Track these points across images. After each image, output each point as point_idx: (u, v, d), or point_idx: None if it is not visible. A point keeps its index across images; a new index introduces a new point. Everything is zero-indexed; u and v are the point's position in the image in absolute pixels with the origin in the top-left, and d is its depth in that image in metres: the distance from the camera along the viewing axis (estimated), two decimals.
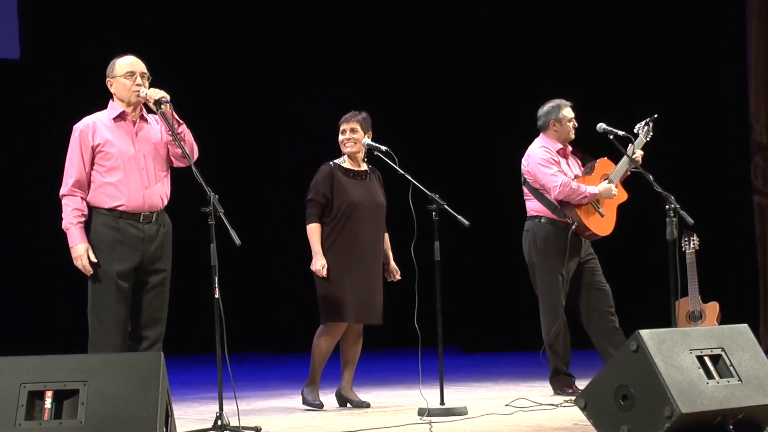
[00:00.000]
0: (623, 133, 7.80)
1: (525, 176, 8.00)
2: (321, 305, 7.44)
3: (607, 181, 7.92)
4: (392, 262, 7.69)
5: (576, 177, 7.95)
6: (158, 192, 6.31)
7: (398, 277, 7.67)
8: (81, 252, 6.08)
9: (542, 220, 7.92)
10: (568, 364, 7.93)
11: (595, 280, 7.99)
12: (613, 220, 7.99)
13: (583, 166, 8.13)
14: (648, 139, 8.00)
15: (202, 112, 12.23)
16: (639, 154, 7.94)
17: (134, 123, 6.32)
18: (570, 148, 8.12)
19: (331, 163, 7.52)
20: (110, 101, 6.34)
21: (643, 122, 8.02)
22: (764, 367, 5.80)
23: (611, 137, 7.82)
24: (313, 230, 7.40)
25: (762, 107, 11.92)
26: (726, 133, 11.79)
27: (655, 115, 8.04)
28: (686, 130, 11.75)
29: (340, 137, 7.52)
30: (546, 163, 7.87)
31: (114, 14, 12.20)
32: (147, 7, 12.55)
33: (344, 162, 7.54)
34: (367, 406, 7.57)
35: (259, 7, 13.26)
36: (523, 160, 8.02)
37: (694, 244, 8.82)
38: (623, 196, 8.05)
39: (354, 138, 7.48)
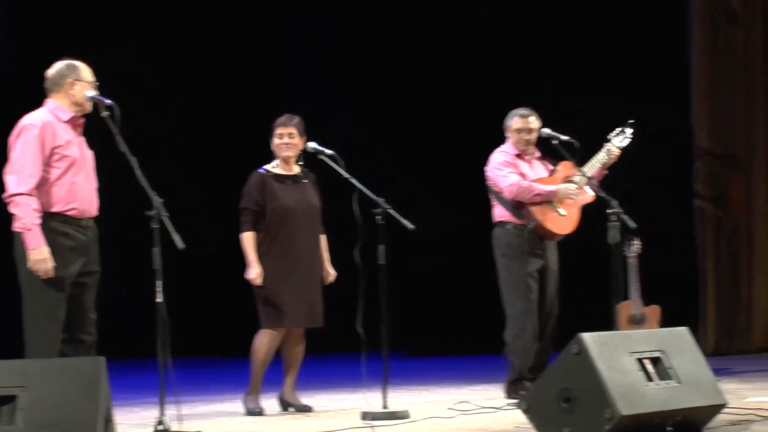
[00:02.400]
0: (567, 137, 7.88)
1: (488, 183, 8.05)
2: (260, 311, 7.44)
3: (570, 182, 7.97)
4: (327, 264, 7.71)
5: (536, 179, 8.00)
6: (96, 197, 6.33)
7: (332, 279, 7.69)
8: (46, 254, 6.00)
9: (507, 226, 7.96)
10: (530, 369, 7.92)
11: (545, 294, 8.03)
12: (575, 219, 8.02)
13: (550, 168, 8.17)
14: (620, 144, 8.06)
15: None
16: (614, 155, 8.01)
17: (78, 128, 6.32)
18: (537, 153, 8.17)
19: (262, 169, 7.52)
20: (50, 101, 6.28)
21: (618, 129, 8.11)
22: (703, 369, 5.87)
23: (555, 142, 7.90)
24: (247, 239, 7.42)
25: (704, 113, 12.05)
26: (669, 138, 11.89)
27: (631, 121, 8.12)
28: (635, 125, 11.84)
29: (277, 141, 7.51)
30: (500, 166, 7.95)
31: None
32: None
33: (275, 167, 7.55)
34: (310, 410, 7.58)
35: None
36: (486, 168, 8.08)
37: (636, 248, 8.90)
38: (588, 198, 8.07)
39: (291, 143, 7.49)
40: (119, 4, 12.48)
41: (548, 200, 7.90)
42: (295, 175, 7.60)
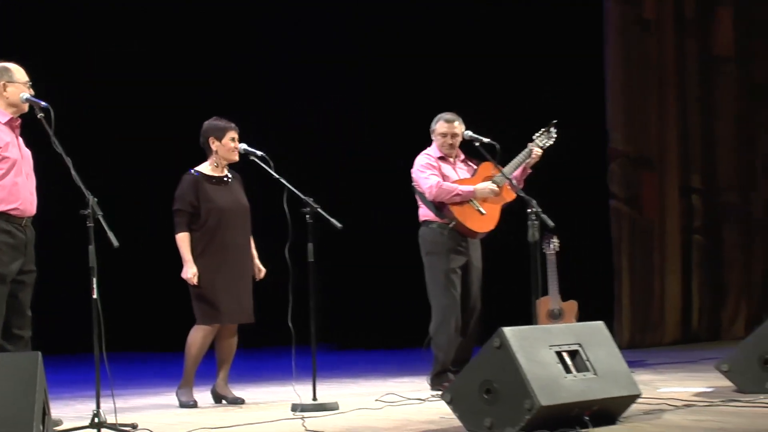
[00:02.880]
0: (488, 140, 7.91)
1: (413, 184, 8.06)
2: (195, 308, 7.41)
3: (491, 182, 7.99)
4: (257, 261, 7.68)
5: (457, 180, 8.02)
6: (35, 196, 6.28)
7: (262, 275, 7.68)
8: None
9: (431, 225, 7.98)
10: (453, 362, 7.93)
11: (468, 289, 8.05)
12: (495, 217, 8.03)
13: (473, 169, 8.19)
14: (544, 144, 8.09)
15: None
16: (537, 155, 8.04)
17: (16, 129, 6.26)
18: (461, 155, 8.19)
19: (194, 171, 7.48)
20: None
21: (543, 129, 8.14)
22: (618, 361, 5.93)
23: (477, 144, 7.92)
24: (183, 239, 7.38)
25: (618, 117, 12.15)
26: (584, 140, 11.97)
27: (554, 121, 8.16)
28: (558, 124, 11.92)
29: (230, 144, 7.47)
30: (423, 169, 7.97)
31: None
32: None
33: (206, 169, 7.51)
34: (242, 402, 7.56)
35: None
36: (411, 170, 8.09)
37: (554, 245, 8.96)
38: (509, 197, 8.10)
39: (237, 146, 7.47)
40: (54, 5, 12.34)
41: (468, 200, 7.93)
42: (225, 176, 7.57)
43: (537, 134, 8.14)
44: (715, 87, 12.93)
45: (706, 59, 12.86)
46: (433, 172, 7.94)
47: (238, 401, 7.56)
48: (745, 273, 12.99)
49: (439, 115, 8.12)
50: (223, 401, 7.58)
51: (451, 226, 7.88)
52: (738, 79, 13.02)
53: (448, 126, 8.06)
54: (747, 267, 13.00)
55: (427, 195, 7.90)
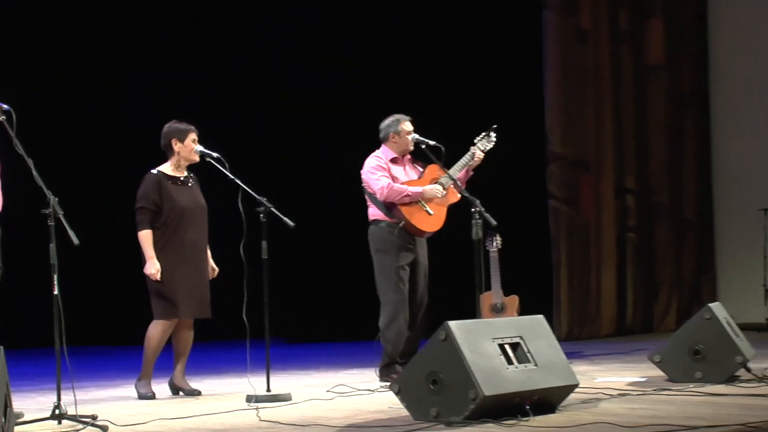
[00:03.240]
0: (434, 143, 7.91)
1: (363, 185, 8.04)
2: (154, 303, 7.36)
3: (437, 183, 7.99)
4: (211, 261, 7.65)
5: (406, 181, 8.01)
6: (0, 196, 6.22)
7: (215, 274, 7.65)
8: None
9: (380, 224, 7.96)
10: (401, 354, 7.92)
11: (416, 285, 8.05)
12: (442, 218, 8.04)
13: (420, 171, 8.18)
14: (485, 147, 8.09)
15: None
16: (479, 158, 8.05)
17: None
18: (409, 157, 8.18)
19: (156, 171, 7.43)
20: None
21: (483, 133, 8.15)
22: (557, 353, 5.95)
23: (423, 147, 7.92)
24: (146, 236, 7.32)
25: (557, 121, 12.21)
26: (525, 143, 12.02)
27: (494, 126, 8.17)
28: (498, 129, 11.95)
29: (192, 146, 7.42)
30: (374, 170, 7.94)
31: None
32: None
33: (168, 169, 7.46)
34: (199, 393, 7.51)
35: None
36: (361, 171, 8.06)
37: (496, 243, 8.98)
38: (454, 198, 8.10)
39: (197, 148, 7.44)
40: (17, 7, 12.23)
41: (417, 200, 7.92)
42: (185, 177, 7.53)
43: (478, 138, 8.15)
44: (647, 94, 13.04)
45: (638, 68, 12.97)
46: (384, 174, 7.93)
47: (195, 393, 7.51)
48: (676, 269, 13.10)
49: (397, 116, 8.08)
50: (180, 393, 7.52)
51: (400, 225, 7.87)
52: (668, 87, 13.14)
53: (410, 125, 8.05)
54: (677, 263, 13.11)
55: (378, 196, 7.88)
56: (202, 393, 7.54)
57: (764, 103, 13.05)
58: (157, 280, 7.26)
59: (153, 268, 7.24)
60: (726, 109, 13.39)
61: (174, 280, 7.30)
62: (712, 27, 13.54)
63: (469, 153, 8.05)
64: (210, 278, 7.62)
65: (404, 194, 7.85)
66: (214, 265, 7.68)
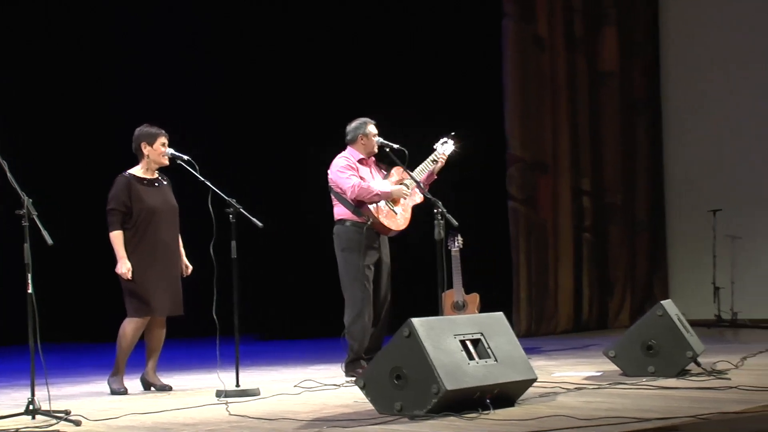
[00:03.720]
0: (398, 146, 7.90)
1: (330, 184, 8.01)
2: (128, 301, 7.31)
3: (403, 185, 7.98)
4: (184, 259, 7.61)
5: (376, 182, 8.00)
6: None
7: (189, 272, 7.60)
8: None
9: (346, 223, 7.93)
10: (366, 350, 7.90)
11: (380, 283, 8.03)
12: (408, 217, 8.05)
13: (384, 173, 8.17)
14: (445, 151, 8.09)
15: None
16: (441, 163, 8.04)
17: None
18: (374, 160, 8.16)
19: (127, 174, 7.38)
20: None
21: (443, 139, 8.15)
22: (516, 349, 5.95)
23: (387, 150, 7.91)
24: (117, 237, 7.27)
25: (516, 125, 12.23)
26: (485, 147, 12.03)
27: (452, 133, 8.18)
28: (456, 136, 11.95)
29: (161, 149, 7.38)
30: (343, 170, 7.91)
31: None
32: None
33: (138, 172, 7.42)
34: (170, 389, 7.47)
35: None
36: (328, 171, 8.03)
37: (458, 243, 8.97)
38: (418, 199, 8.11)
39: (166, 151, 7.38)
40: None
41: (384, 200, 7.92)
42: (155, 179, 7.48)
43: (438, 143, 8.15)
44: (602, 99, 13.10)
45: (593, 74, 13.02)
46: (354, 174, 7.91)
47: (166, 388, 7.46)
48: (630, 268, 13.16)
49: (364, 120, 8.07)
50: (152, 388, 7.48)
51: (368, 224, 7.85)
52: (621, 93, 13.20)
53: (375, 128, 8.05)
54: (631, 263, 13.17)
55: (348, 194, 7.85)
56: (173, 388, 7.50)
57: (713, 109, 13.14)
58: (129, 279, 7.21)
59: (124, 267, 7.20)
60: (677, 114, 13.47)
61: (146, 279, 7.26)
62: (663, 36, 13.62)
63: (432, 158, 8.06)
64: (183, 276, 7.58)
65: (374, 193, 7.84)
66: (188, 263, 7.63)
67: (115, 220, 7.28)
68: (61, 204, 11.80)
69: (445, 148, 8.14)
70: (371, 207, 7.85)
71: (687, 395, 5.96)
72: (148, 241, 7.33)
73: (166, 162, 7.42)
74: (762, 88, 12.84)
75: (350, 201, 7.87)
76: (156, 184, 7.46)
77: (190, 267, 7.66)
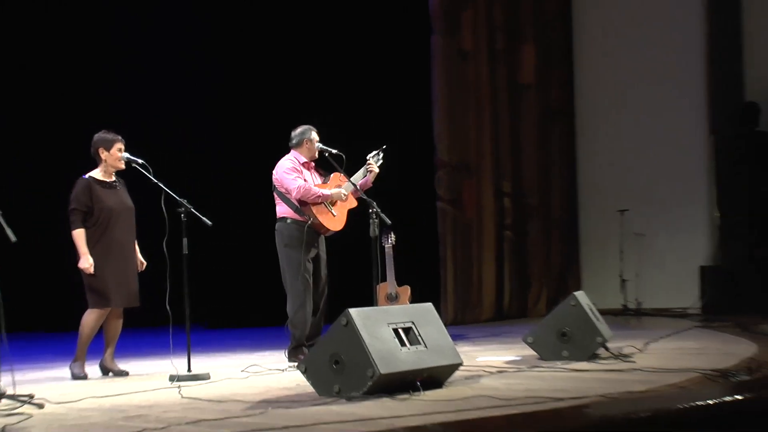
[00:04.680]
0: (336, 151, 7.92)
1: (275, 184, 7.99)
2: (89, 294, 7.27)
3: (341, 188, 7.99)
4: (139, 255, 7.57)
5: (315, 184, 8.00)
6: None
7: (143, 268, 7.56)
8: None
9: (288, 221, 7.92)
10: (307, 338, 7.91)
11: (318, 274, 8.04)
12: (344, 219, 8.07)
13: (323, 177, 8.17)
14: (377, 161, 8.11)
15: None
16: (374, 172, 8.05)
17: None
18: (313, 164, 8.16)
19: (87, 176, 7.34)
20: None
21: (375, 151, 8.16)
22: (444, 336, 5.99)
23: (327, 155, 7.92)
24: (80, 234, 7.22)
25: (444, 132, 12.29)
26: (416, 152, 12.08)
27: (384, 147, 8.20)
28: (387, 150, 11.99)
29: (118, 154, 7.33)
30: (290, 171, 7.91)
31: None
32: None
33: (98, 174, 7.37)
34: (126, 374, 7.42)
35: None
36: (274, 171, 8.02)
37: (391, 240, 9.01)
38: (353, 203, 8.14)
39: (122, 155, 7.34)
40: None
41: (324, 201, 7.93)
42: (113, 181, 7.44)
43: (371, 155, 8.16)
44: (521, 109, 13.19)
45: (513, 86, 13.11)
46: (299, 176, 7.92)
47: (123, 373, 7.42)
48: (546, 263, 13.27)
49: (307, 126, 8.08)
50: (110, 373, 7.43)
51: (309, 222, 7.86)
52: (538, 103, 13.30)
53: (317, 136, 8.06)
54: (547, 258, 13.28)
55: (293, 194, 7.84)
56: (130, 373, 7.45)
57: (622, 118, 13.30)
58: (90, 274, 7.17)
59: (86, 262, 7.16)
60: (589, 123, 13.61)
61: (105, 274, 7.22)
62: (576, 53, 13.75)
63: (365, 167, 8.08)
64: (139, 271, 7.54)
65: (317, 195, 7.86)
66: (143, 259, 7.60)
67: (76, 219, 7.23)
68: (26, 203, 11.66)
69: (377, 159, 8.17)
70: (313, 208, 7.87)
71: (596, 377, 6.01)
72: (107, 238, 7.29)
73: (122, 166, 7.38)
74: (661, 102, 13.03)
75: (294, 201, 7.87)
76: (113, 186, 7.43)
77: (145, 263, 7.62)
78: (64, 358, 8.00)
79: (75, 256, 7.21)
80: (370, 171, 8.06)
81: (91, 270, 7.16)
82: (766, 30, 12.65)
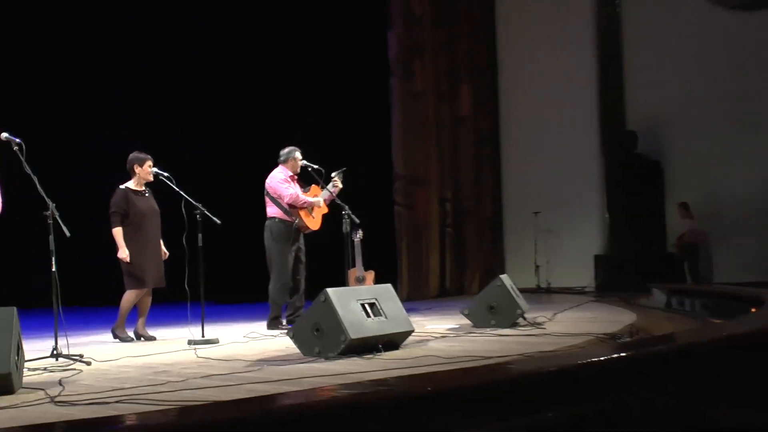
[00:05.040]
0: (317, 166, 7.89)
1: (268, 190, 7.94)
2: (127, 278, 7.22)
3: (320, 197, 7.98)
4: (163, 247, 7.50)
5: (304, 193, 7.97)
6: None
7: (166, 257, 7.49)
8: None
9: (277, 220, 7.88)
10: (291, 313, 7.84)
11: (298, 263, 8.01)
12: (320, 221, 8.06)
13: (303, 188, 8.13)
14: (340, 178, 8.04)
15: None
16: (339, 187, 8.01)
17: None
18: (296, 177, 8.12)
19: (124, 186, 7.28)
20: None
21: (338, 171, 8.12)
22: (400, 309, 5.99)
23: (309, 169, 7.90)
24: (119, 232, 7.17)
25: (400, 153, 12.33)
26: (379, 168, 12.10)
27: (344, 168, 8.16)
28: (357, 166, 11.96)
29: (148, 170, 7.28)
30: (283, 182, 7.85)
31: None
32: None
33: (132, 185, 7.32)
34: (154, 339, 7.37)
35: None
36: (267, 180, 7.96)
37: (359, 235, 9.00)
38: (326, 210, 8.12)
39: (151, 170, 7.28)
40: None
41: (308, 207, 7.91)
42: (143, 190, 7.39)
43: (335, 173, 8.08)
44: (459, 135, 13.26)
45: (453, 117, 13.17)
46: (291, 185, 7.89)
47: (152, 338, 7.36)
48: (478, 252, 13.33)
49: (292, 148, 8.00)
50: (141, 338, 7.38)
51: (296, 223, 7.84)
52: (473, 130, 13.37)
53: (300, 155, 8.01)
54: (479, 249, 13.35)
55: (285, 200, 7.79)
56: (157, 338, 7.40)
57: (536, 140, 13.39)
58: (128, 263, 7.12)
59: (124, 253, 7.11)
60: (511, 145, 13.70)
61: (140, 262, 7.18)
62: (501, 90, 13.83)
63: (331, 183, 8.01)
64: (163, 259, 7.49)
65: (304, 202, 7.83)
66: (166, 251, 7.55)
67: (116, 219, 7.18)
68: (79, 207, 11.51)
69: (340, 178, 8.11)
70: (301, 212, 7.84)
71: (517, 340, 6.03)
72: (140, 234, 7.24)
73: (152, 179, 7.32)
74: (565, 128, 13.13)
75: (285, 205, 7.83)
76: (144, 194, 7.38)
77: (168, 253, 7.56)
78: (105, 325, 7.91)
79: (115, 248, 7.16)
80: (336, 186, 8.02)
81: (128, 259, 7.12)
82: (642, 72, 12.79)
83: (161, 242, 7.51)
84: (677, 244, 12.01)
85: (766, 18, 12.06)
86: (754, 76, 11.97)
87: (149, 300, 7.45)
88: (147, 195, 7.42)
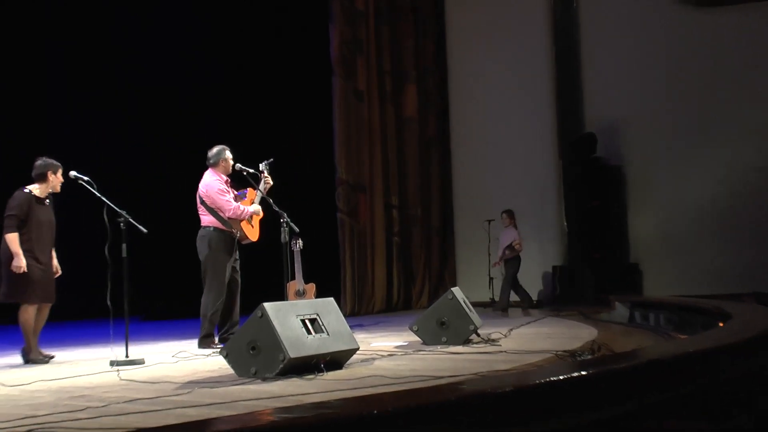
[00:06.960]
0: (252, 170, 7.82)
1: (203, 198, 7.80)
2: (10, 289, 6.98)
3: (255, 203, 7.89)
4: (56, 262, 7.32)
5: (236, 198, 7.86)
6: None
7: (59, 273, 7.30)
8: None
9: (213, 230, 7.76)
10: (226, 329, 7.76)
11: (234, 276, 7.92)
12: (258, 230, 7.97)
13: (237, 192, 8.03)
14: (268, 172, 7.95)
15: None
16: (269, 183, 7.92)
17: None
18: (229, 180, 8.01)
19: (29, 190, 7.10)
20: None
21: (265, 162, 8.02)
22: (344, 325, 5.95)
23: (245, 174, 7.81)
24: (14, 238, 6.97)
25: (342, 156, 12.29)
26: (320, 172, 12.07)
27: (271, 159, 8.08)
28: (296, 170, 11.94)
29: (61, 179, 7.11)
30: (222, 193, 7.73)
31: None
32: None
33: (36, 191, 7.14)
34: (52, 357, 7.15)
35: None
36: (201, 187, 7.82)
37: (299, 245, 8.94)
38: (262, 215, 8.05)
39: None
40: None
41: (249, 217, 7.84)
42: (45, 198, 7.22)
43: (262, 166, 7.94)
44: (405, 138, 13.30)
45: (399, 119, 13.20)
46: (230, 195, 7.77)
47: (49, 357, 7.13)
48: (427, 263, 13.36)
49: (221, 147, 7.90)
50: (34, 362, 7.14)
51: (236, 234, 7.74)
52: (420, 133, 13.42)
53: (231, 156, 7.91)
54: (428, 259, 13.38)
55: (228, 214, 7.67)
56: (75, 359, 7.20)
57: (488, 145, 13.49)
58: (19, 274, 6.93)
59: (20, 262, 6.91)
60: (462, 148, 13.77)
61: (30, 274, 7.01)
62: (451, 90, 13.91)
63: (262, 183, 7.91)
64: (55, 276, 7.28)
65: (247, 214, 7.74)
66: (59, 266, 7.34)
67: (13, 224, 6.99)
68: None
69: (267, 168, 7.99)
70: (241, 223, 7.75)
71: (470, 358, 6.03)
72: (33, 245, 7.06)
73: (59, 189, 7.17)
74: (520, 132, 13.25)
75: (225, 217, 7.71)
76: (45, 203, 7.22)
77: (60, 269, 7.35)
78: (10, 346, 7.69)
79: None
80: (267, 183, 7.92)
81: (24, 269, 6.93)
82: (599, 76, 12.99)
83: (54, 256, 7.32)
84: (501, 257, 11.96)
85: (725, 17, 12.34)
86: (711, 74, 12.25)
87: (44, 317, 7.23)
88: (47, 204, 7.25)
